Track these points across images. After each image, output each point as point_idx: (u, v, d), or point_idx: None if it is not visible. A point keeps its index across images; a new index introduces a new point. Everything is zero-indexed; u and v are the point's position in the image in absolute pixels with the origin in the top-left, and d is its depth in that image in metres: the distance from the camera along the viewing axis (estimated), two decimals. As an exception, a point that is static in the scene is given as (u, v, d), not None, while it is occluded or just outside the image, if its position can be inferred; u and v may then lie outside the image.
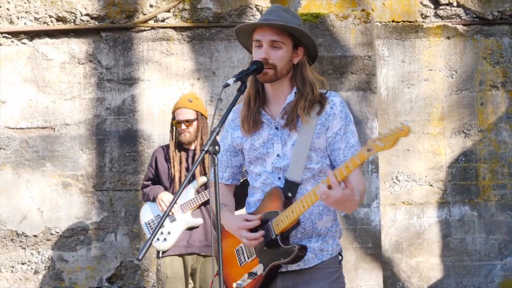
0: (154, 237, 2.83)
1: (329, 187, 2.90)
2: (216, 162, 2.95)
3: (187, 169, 5.19)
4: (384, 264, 6.22)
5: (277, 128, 3.21)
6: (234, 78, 3.08)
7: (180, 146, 5.25)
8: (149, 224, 5.20)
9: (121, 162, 6.56)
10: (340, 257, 3.31)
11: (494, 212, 6.58)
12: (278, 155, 3.19)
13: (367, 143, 2.87)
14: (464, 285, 6.52)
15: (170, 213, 5.09)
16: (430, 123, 6.60)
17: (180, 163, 5.23)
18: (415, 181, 6.55)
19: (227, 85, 3.04)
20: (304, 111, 3.14)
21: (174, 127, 5.27)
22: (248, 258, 3.25)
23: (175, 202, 2.91)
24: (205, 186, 5.20)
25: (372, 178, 5.88)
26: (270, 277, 3.18)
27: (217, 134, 2.94)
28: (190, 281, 5.26)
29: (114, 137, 6.59)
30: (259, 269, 3.19)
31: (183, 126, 5.21)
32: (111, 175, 6.56)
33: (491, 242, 6.56)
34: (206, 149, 2.93)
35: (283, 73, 3.17)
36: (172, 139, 5.27)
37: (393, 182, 6.52)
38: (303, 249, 3.14)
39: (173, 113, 5.26)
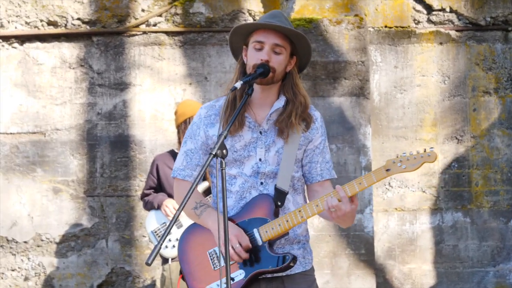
0: (163, 241, 2.82)
1: (339, 201, 2.95)
2: (224, 166, 2.94)
3: None
4: (376, 271, 6.20)
5: (260, 133, 3.19)
6: (242, 82, 3.07)
7: None
8: (155, 232, 5.16)
9: (112, 167, 6.51)
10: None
11: (486, 218, 6.56)
12: (260, 160, 3.18)
13: (386, 163, 2.97)
14: (457, 291, 6.51)
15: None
16: (423, 129, 6.58)
17: None
18: (408, 187, 6.53)
19: (235, 88, 3.03)
20: (297, 121, 3.16)
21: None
22: None
23: (184, 205, 2.87)
24: (208, 191, 5.13)
25: (365, 184, 5.84)
26: (251, 283, 3.13)
27: (225, 137, 2.94)
28: None
29: (105, 142, 6.53)
30: (239, 274, 3.14)
31: None
32: (102, 181, 6.50)
33: (484, 249, 6.54)
34: (214, 153, 2.91)
35: (278, 78, 3.18)
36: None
37: (386, 188, 6.50)
38: (295, 260, 3.12)
39: (190, 118, 5.12)
